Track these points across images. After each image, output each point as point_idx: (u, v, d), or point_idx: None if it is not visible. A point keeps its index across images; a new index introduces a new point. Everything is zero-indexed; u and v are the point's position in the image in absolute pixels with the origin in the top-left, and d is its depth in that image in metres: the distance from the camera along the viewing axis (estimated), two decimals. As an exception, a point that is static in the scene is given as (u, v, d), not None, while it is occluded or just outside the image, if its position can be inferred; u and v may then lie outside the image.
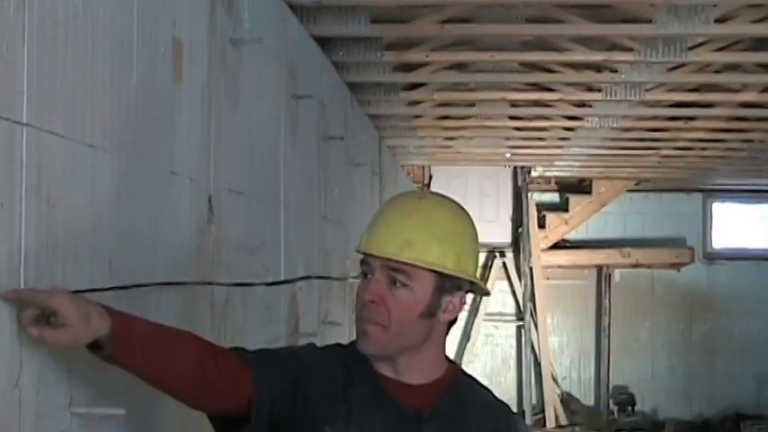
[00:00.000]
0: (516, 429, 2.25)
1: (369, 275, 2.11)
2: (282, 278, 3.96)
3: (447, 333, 2.20)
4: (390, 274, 2.08)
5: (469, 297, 2.21)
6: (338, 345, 2.30)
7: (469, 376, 2.27)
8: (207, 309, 2.93)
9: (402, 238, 2.08)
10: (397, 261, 2.07)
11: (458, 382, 2.20)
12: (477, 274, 2.20)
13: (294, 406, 2.09)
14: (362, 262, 2.14)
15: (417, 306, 2.08)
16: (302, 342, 4.23)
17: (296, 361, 2.16)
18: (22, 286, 1.73)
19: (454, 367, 2.24)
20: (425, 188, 12.74)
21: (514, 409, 2.26)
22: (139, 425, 2.36)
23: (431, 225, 2.11)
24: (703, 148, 8.66)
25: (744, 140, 8.14)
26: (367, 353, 2.13)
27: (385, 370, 2.15)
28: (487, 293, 2.33)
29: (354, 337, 2.16)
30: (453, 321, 2.19)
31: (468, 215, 2.23)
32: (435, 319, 2.12)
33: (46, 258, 1.83)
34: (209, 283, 2.94)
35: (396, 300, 2.07)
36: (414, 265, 2.07)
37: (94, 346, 1.87)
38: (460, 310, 2.15)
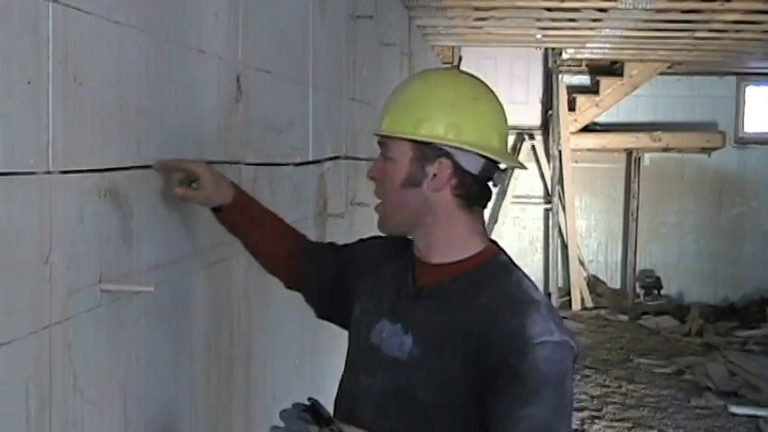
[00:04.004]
0: (521, 326, 1.96)
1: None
2: (311, 158, 3.96)
3: (471, 211, 2.14)
4: (382, 149, 2.16)
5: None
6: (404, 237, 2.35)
7: (505, 264, 2.15)
8: (235, 188, 2.93)
9: (391, 113, 2.15)
10: (379, 135, 2.16)
11: (483, 267, 2.12)
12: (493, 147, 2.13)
13: (342, 284, 2.41)
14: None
15: (399, 176, 2.11)
16: (330, 222, 4.26)
17: (347, 249, 2.50)
18: (51, 164, 1.74)
19: (488, 250, 2.15)
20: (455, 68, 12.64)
21: (543, 293, 2.12)
22: (168, 302, 2.39)
23: (410, 96, 2.14)
24: (738, 31, 8.50)
25: (781, 22, 7.99)
26: (381, 231, 2.22)
27: (416, 251, 2.20)
28: (515, 165, 2.21)
29: None
30: (475, 198, 2.14)
31: (469, 84, 2.20)
32: (422, 190, 2.11)
33: (74, 137, 1.83)
34: (237, 163, 2.94)
35: (384, 173, 2.15)
36: (389, 137, 2.12)
37: (215, 209, 2.45)
38: (453, 179, 2.10)
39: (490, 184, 2.16)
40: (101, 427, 1.99)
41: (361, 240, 2.52)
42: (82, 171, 1.87)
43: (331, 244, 2.66)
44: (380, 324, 2.18)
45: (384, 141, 2.15)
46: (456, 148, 2.08)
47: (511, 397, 1.90)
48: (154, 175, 2.24)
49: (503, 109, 2.21)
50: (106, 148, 1.98)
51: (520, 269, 2.15)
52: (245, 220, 2.50)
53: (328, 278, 2.47)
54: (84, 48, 1.87)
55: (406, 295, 2.17)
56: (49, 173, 1.74)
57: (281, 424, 1.96)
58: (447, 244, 2.14)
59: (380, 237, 2.37)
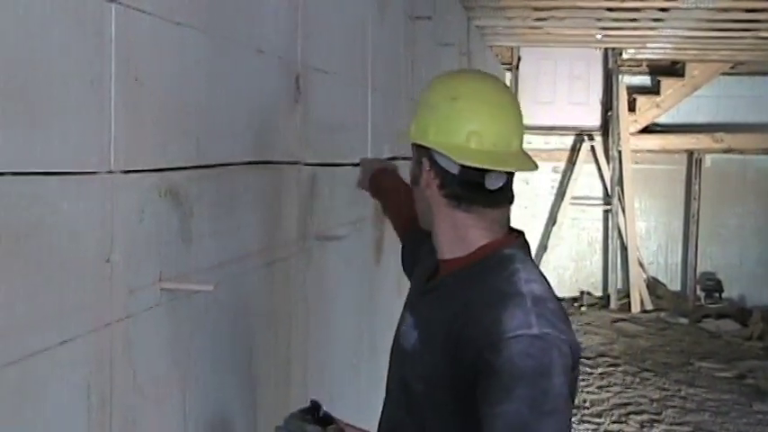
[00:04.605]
0: (497, 320, 1.90)
1: None
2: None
3: (469, 210, 2.08)
4: None
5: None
6: None
7: (505, 258, 2.06)
8: (293, 188, 2.94)
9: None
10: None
11: (481, 261, 2.07)
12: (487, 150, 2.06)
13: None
14: None
15: (409, 176, 2.23)
16: (387, 222, 4.26)
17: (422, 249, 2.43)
18: (112, 164, 1.75)
19: (495, 244, 2.09)
20: (515, 70, 12.60)
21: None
22: (227, 301, 2.40)
23: (424, 99, 2.18)
24: (803, 30, 8.39)
25: None
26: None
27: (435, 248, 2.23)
28: (489, 167, 2.06)
29: None
30: (466, 197, 2.08)
31: (455, 83, 2.16)
32: (419, 188, 2.15)
33: (134, 137, 1.84)
34: (297, 163, 2.95)
35: None
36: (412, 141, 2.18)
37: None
38: (435, 179, 2.09)
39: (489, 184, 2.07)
40: (160, 425, 2.01)
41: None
42: (142, 171, 1.89)
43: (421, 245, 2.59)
44: (405, 316, 2.23)
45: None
46: (428, 148, 2.10)
47: (487, 394, 1.85)
48: (213, 174, 2.25)
49: (498, 109, 2.11)
50: (166, 147, 2.00)
51: (524, 261, 2.06)
52: (386, 197, 2.99)
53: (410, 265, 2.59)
54: (146, 48, 1.88)
55: (419, 291, 2.23)
56: (110, 172, 1.75)
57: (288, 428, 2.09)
58: (447, 241, 2.14)
59: None
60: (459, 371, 1.93)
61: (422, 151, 2.12)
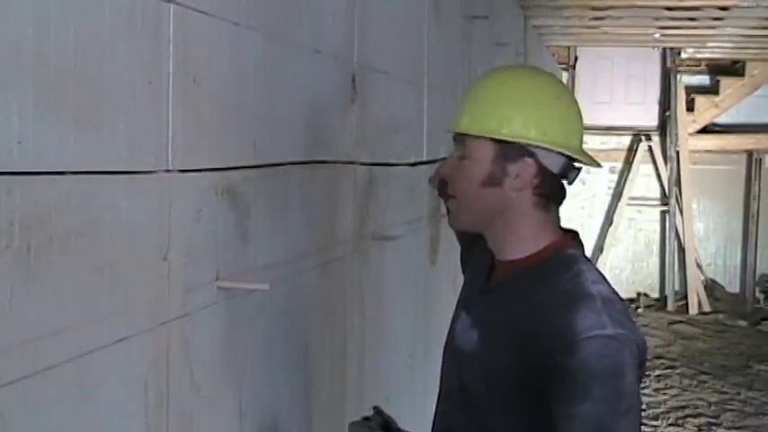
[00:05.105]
0: (570, 322, 1.90)
1: None
2: (425, 159, 3.96)
3: (547, 210, 2.10)
4: (456, 147, 2.11)
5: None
6: None
7: (568, 258, 2.07)
8: (350, 187, 2.95)
9: (467, 110, 2.10)
10: (456, 133, 2.10)
11: (544, 262, 2.07)
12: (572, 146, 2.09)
13: None
14: None
15: (479, 175, 2.06)
16: (443, 223, 4.25)
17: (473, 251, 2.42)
18: (170, 163, 1.77)
19: (556, 245, 2.10)
20: (572, 70, 12.54)
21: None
22: (283, 300, 2.41)
23: (489, 93, 2.10)
24: None
25: None
26: (451, 227, 2.22)
27: (491, 247, 2.18)
28: (592, 164, 2.13)
29: None
30: (553, 196, 2.10)
31: (549, 82, 2.16)
32: (503, 189, 2.06)
33: (192, 137, 1.85)
34: (353, 163, 2.95)
35: (458, 172, 2.10)
36: (467, 134, 2.07)
37: None
38: (535, 179, 2.05)
39: (565, 182, 2.11)
40: (216, 423, 2.02)
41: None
42: (200, 170, 1.90)
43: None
44: (460, 317, 2.20)
45: (462, 140, 2.10)
46: (539, 147, 2.05)
47: (563, 395, 1.85)
48: (270, 174, 2.26)
49: (579, 107, 2.16)
50: (223, 147, 2.01)
51: (586, 262, 2.07)
52: None
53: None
54: (203, 48, 1.89)
55: (479, 291, 2.19)
56: (168, 171, 1.77)
57: None
58: (517, 241, 2.10)
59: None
60: (528, 371, 1.92)
61: (516, 149, 2.05)
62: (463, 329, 2.15)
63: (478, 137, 2.06)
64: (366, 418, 2.12)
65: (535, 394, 1.90)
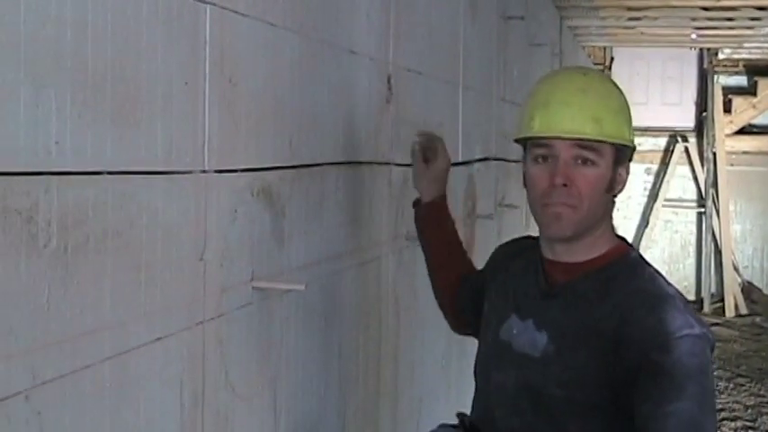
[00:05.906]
0: (661, 321, 1.93)
1: (548, 159, 2.07)
2: (460, 159, 3.95)
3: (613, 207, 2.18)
4: (579, 153, 2.05)
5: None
6: (526, 237, 2.43)
7: (636, 261, 2.13)
8: (385, 188, 2.95)
9: (590, 116, 2.05)
10: (590, 140, 2.05)
11: (613, 264, 2.10)
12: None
13: (478, 304, 2.37)
14: (537, 145, 2.10)
15: (603, 182, 2.07)
16: (478, 224, 4.24)
17: (482, 272, 2.45)
18: (206, 163, 1.77)
19: (619, 248, 2.14)
20: (608, 70, 12.48)
21: (691, 297, 2.09)
22: (318, 300, 2.41)
23: (607, 100, 2.10)
24: None
25: None
26: (559, 236, 2.11)
27: (547, 252, 2.16)
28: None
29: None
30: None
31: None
32: (612, 193, 2.11)
33: (228, 137, 1.86)
34: (388, 164, 2.95)
35: (585, 178, 2.05)
36: (604, 141, 2.05)
37: (416, 202, 2.60)
38: (625, 181, 2.13)
39: None
40: (251, 422, 2.02)
41: (491, 256, 2.51)
42: (236, 170, 1.90)
43: (480, 272, 2.54)
44: (510, 321, 2.17)
45: (584, 145, 2.05)
46: (620, 149, 2.10)
47: (657, 393, 1.88)
48: (305, 174, 2.26)
49: None
50: (259, 147, 2.01)
51: (651, 265, 2.12)
52: (433, 226, 2.59)
53: (470, 310, 2.48)
54: (240, 49, 1.90)
55: (538, 293, 2.15)
56: (204, 171, 1.77)
57: None
58: (592, 244, 2.11)
59: (505, 242, 2.47)
60: (617, 371, 1.95)
61: (624, 153, 2.11)
62: (522, 333, 2.12)
63: (603, 142, 2.05)
64: (454, 426, 2.14)
65: (622, 393, 1.93)
